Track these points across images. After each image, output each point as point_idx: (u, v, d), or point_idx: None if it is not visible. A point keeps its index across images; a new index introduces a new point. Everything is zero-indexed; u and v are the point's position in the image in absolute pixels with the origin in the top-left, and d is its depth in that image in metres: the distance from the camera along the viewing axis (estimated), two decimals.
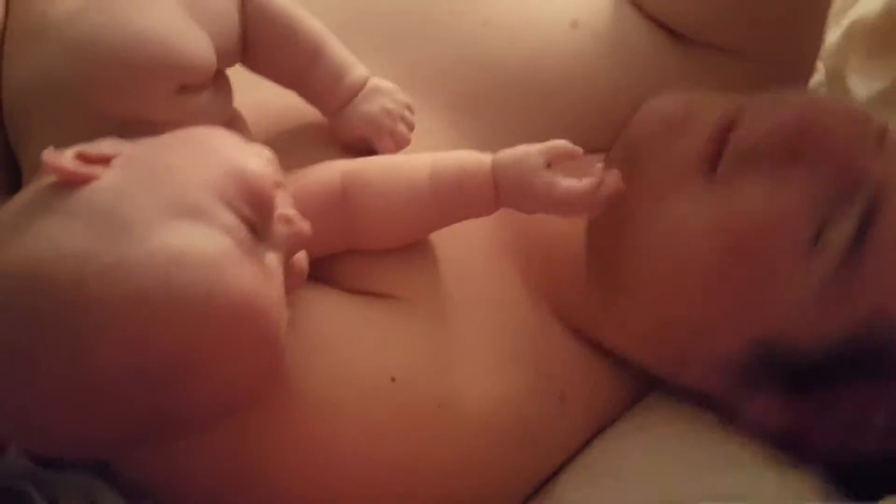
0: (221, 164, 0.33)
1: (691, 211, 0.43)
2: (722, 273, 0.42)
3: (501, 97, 0.51)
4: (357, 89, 0.44)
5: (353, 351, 0.40)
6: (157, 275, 0.30)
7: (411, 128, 0.45)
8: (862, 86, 0.66)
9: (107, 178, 0.32)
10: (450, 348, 0.43)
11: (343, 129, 0.44)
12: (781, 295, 0.41)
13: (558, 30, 0.53)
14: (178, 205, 0.31)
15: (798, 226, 0.41)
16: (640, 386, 0.50)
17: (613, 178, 0.40)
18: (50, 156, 0.32)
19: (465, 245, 0.45)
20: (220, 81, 0.40)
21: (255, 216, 0.33)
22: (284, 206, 0.35)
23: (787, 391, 0.43)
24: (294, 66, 0.43)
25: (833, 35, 0.70)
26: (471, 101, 0.51)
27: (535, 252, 0.49)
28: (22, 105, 0.40)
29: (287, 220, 0.35)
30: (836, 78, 0.69)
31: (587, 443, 0.48)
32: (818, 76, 0.69)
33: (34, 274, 0.30)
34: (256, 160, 0.35)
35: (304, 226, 0.35)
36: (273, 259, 0.34)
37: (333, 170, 0.42)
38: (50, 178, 0.32)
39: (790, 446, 0.44)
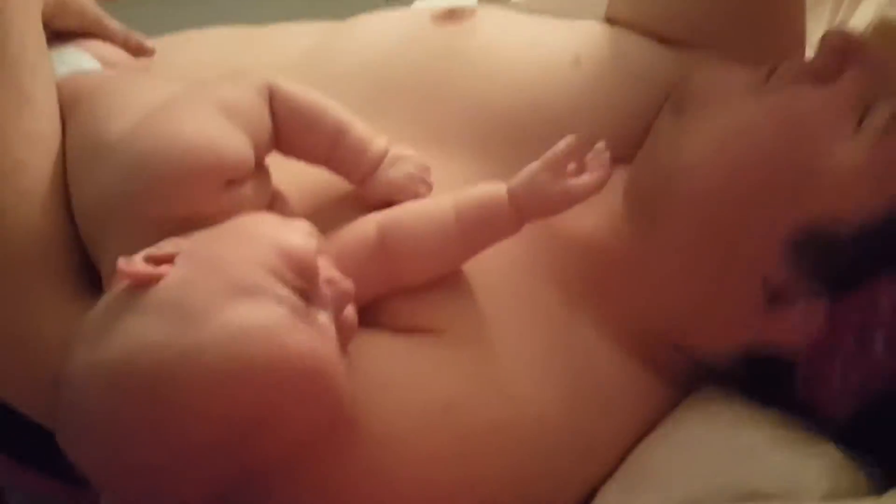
0: (268, 244, 0.38)
1: (743, 111, 0.49)
2: (773, 158, 0.47)
3: (516, 138, 0.56)
4: (380, 159, 0.49)
5: (405, 386, 0.44)
6: (225, 350, 0.35)
7: (430, 188, 0.49)
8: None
9: (172, 275, 0.37)
10: (495, 372, 0.46)
11: (371, 194, 0.49)
12: (827, 172, 0.45)
13: (562, 68, 0.58)
14: (234, 286, 0.36)
15: (842, 111, 0.46)
16: (678, 395, 0.52)
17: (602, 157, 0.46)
18: (122, 263, 0.37)
19: (498, 272, 0.49)
20: (259, 171, 0.46)
21: (303, 284, 0.38)
22: (327, 270, 0.40)
23: (827, 292, 0.45)
24: (320, 147, 0.48)
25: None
26: (490, 146, 0.56)
27: (569, 258, 0.52)
28: (92, 222, 0.45)
29: (332, 282, 0.40)
30: None
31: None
32: None
33: (123, 365, 0.35)
34: (297, 235, 0.40)
35: (347, 284, 0.40)
36: (325, 318, 0.38)
37: (369, 223, 0.47)
38: (125, 283, 0.37)
39: (816, 392, 0.46)
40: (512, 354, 0.48)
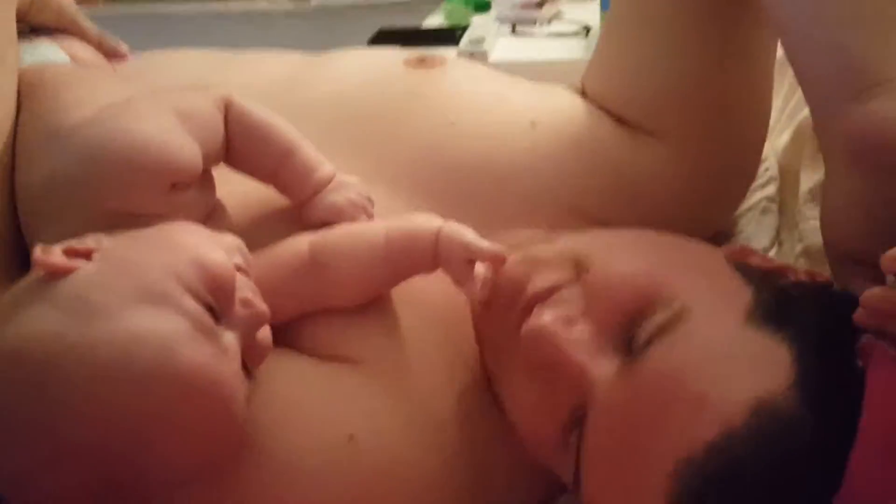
0: (187, 256, 0.38)
1: (513, 374, 0.47)
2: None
3: (460, 186, 0.57)
4: (325, 183, 0.50)
5: (313, 412, 0.44)
6: (118, 352, 0.34)
7: (371, 217, 0.50)
8: (806, 179, 0.69)
9: (83, 270, 0.37)
10: (403, 408, 0.46)
11: (311, 215, 0.50)
12: (560, 473, 0.45)
13: (518, 129, 0.60)
14: (142, 292, 0.36)
15: (553, 429, 0.44)
16: None
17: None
18: (38, 252, 0.37)
19: (420, 313, 0.50)
20: (205, 179, 0.46)
21: (215, 300, 0.38)
22: (245, 291, 0.40)
23: None
24: (268, 164, 0.49)
25: (786, 135, 0.77)
26: (435, 189, 0.56)
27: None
28: (33, 205, 0.45)
29: (247, 303, 0.39)
30: (787, 173, 0.75)
31: None
32: (771, 172, 0.76)
33: (15, 352, 0.35)
34: (217, 251, 0.39)
35: (262, 307, 0.40)
36: (230, 338, 0.38)
37: (302, 240, 0.48)
38: (39, 272, 0.37)
39: None
40: (426, 396, 0.48)
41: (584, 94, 0.65)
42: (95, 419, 0.34)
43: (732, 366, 0.39)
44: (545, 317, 0.44)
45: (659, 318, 0.41)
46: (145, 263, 0.37)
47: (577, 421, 0.42)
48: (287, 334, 0.45)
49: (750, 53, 0.61)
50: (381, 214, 0.51)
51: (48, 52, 0.57)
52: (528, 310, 0.45)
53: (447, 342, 0.51)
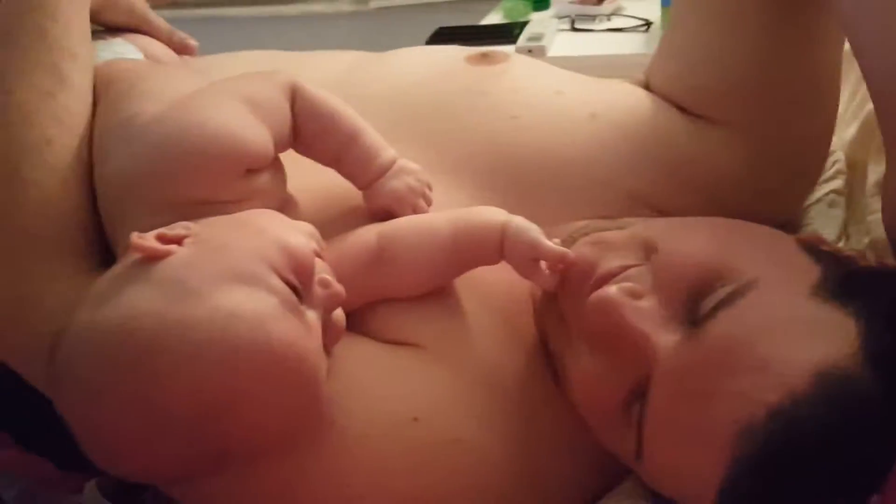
0: (270, 239, 0.41)
1: (577, 356, 0.48)
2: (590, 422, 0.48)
3: (521, 177, 0.58)
4: (386, 168, 0.51)
5: (379, 394, 0.46)
6: (215, 328, 0.37)
7: (430, 203, 0.52)
8: (873, 172, 0.68)
9: (178, 254, 0.39)
10: (466, 393, 0.48)
11: (373, 200, 0.51)
12: (620, 449, 0.46)
13: (578, 120, 0.60)
14: (233, 272, 0.38)
15: (612, 402, 0.44)
16: None
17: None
18: (135, 237, 0.39)
19: (479, 297, 0.51)
20: (276, 165, 0.48)
21: (298, 281, 0.40)
22: (322, 272, 0.42)
23: None
24: (333, 148, 0.51)
25: (853, 128, 0.75)
26: (497, 181, 0.58)
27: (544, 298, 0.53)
28: (114, 195, 0.48)
29: (325, 283, 0.42)
30: (854, 166, 0.73)
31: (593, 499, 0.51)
32: (839, 165, 0.74)
33: (118, 330, 0.37)
34: (299, 235, 0.42)
35: (339, 288, 0.42)
36: (313, 316, 0.40)
37: (370, 231, 0.49)
38: (136, 256, 0.39)
39: None
40: (485, 380, 0.49)
41: (647, 86, 0.65)
42: (195, 391, 0.36)
43: (796, 332, 0.40)
44: (611, 288, 0.44)
45: (723, 291, 0.42)
46: (234, 247, 0.40)
47: (639, 393, 0.43)
48: (352, 319, 0.47)
49: (817, 43, 0.61)
50: (443, 206, 0.52)
51: (122, 49, 0.60)
52: (597, 287, 0.46)
53: (505, 325, 0.52)
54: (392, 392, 0.46)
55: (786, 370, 0.38)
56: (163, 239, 0.40)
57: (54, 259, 0.48)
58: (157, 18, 0.65)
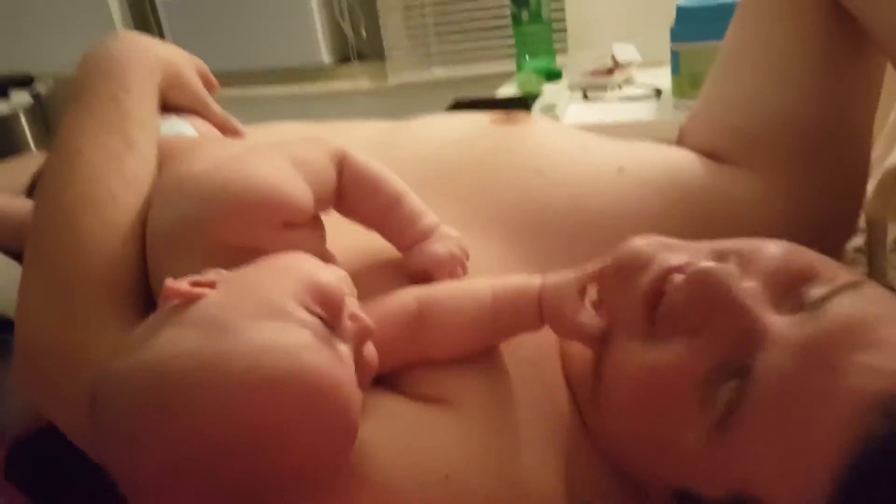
0: (300, 276, 0.42)
1: (627, 354, 0.47)
2: (641, 415, 0.46)
3: (551, 231, 0.59)
4: (429, 232, 0.52)
5: (413, 449, 0.45)
6: (248, 362, 0.37)
7: (466, 271, 0.52)
8: (893, 229, 0.69)
9: (210, 296, 0.40)
10: (499, 451, 0.47)
11: (413, 262, 0.52)
12: (678, 446, 0.44)
13: (605, 174, 0.62)
14: (264, 308, 0.39)
15: (691, 387, 0.43)
16: None
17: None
18: (169, 281, 0.40)
19: (510, 351, 0.51)
20: (316, 223, 0.50)
21: (328, 315, 0.41)
22: (353, 307, 0.43)
23: None
24: (377, 211, 0.52)
25: (870, 186, 0.76)
26: (526, 233, 0.59)
27: (574, 356, 0.53)
28: (161, 245, 0.49)
29: (355, 317, 0.42)
30: (874, 224, 0.74)
31: None
32: (859, 223, 0.74)
33: (156, 369, 0.37)
34: (327, 272, 0.43)
35: (369, 321, 0.43)
36: (344, 348, 0.41)
37: (409, 294, 0.50)
38: (171, 303, 0.40)
39: None
40: (518, 438, 0.48)
41: (679, 143, 0.67)
42: (232, 424, 0.37)
43: None
44: (712, 263, 0.44)
45: (831, 284, 0.42)
46: (264, 285, 0.41)
47: (728, 372, 0.42)
48: (384, 376, 0.47)
49: (859, 96, 0.64)
50: (475, 261, 0.53)
51: (180, 127, 0.64)
52: (663, 277, 0.46)
53: (536, 381, 0.51)
54: (425, 448, 0.46)
55: None
56: (195, 284, 0.41)
57: (107, 309, 0.49)
58: (214, 104, 0.69)
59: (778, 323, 0.42)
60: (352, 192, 0.51)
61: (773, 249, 0.47)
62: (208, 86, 0.70)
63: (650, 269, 0.48)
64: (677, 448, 0.44)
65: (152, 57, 0.62)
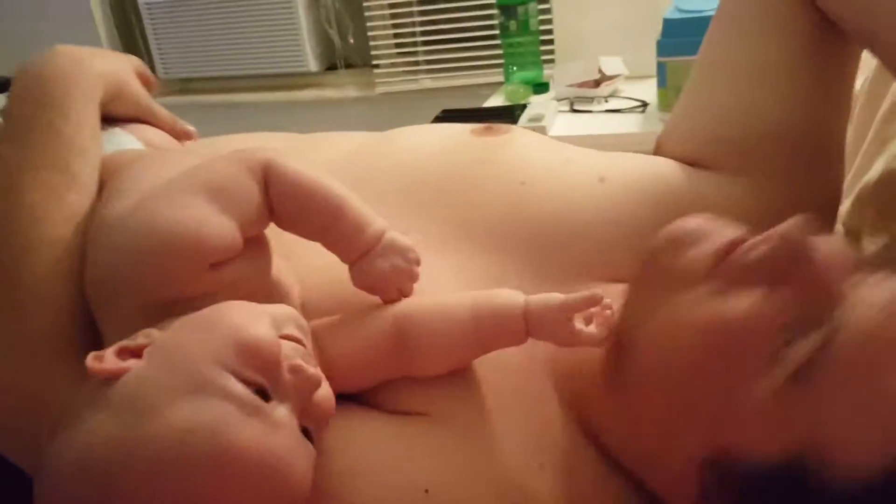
0: (228, 338, 0.39)
1: (686, 309, 0.45)
2: (695, 370, 0.44)
3: (535, 243, 0.58)
4: (372, 244, 0.48)
5: (390, 466, 0.45)
6: (169, 444, 0.36)
7: (415, 280, 0.50)
8: (870, 242, 0.69)
9: (133, 371, 0.38)
10: (480, 464, 0.46)
11: (358, 278, 0.49)
12: (736, 402, 0.42)
13: (588, 184, 0.62)
14: (187, 383, 0.37)
15: (764, 339, 0.42)
16: None
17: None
18: (90, 361, 0.38)
19: (500, 365, 0.50)
20: (254, 249, 0.46)
21: (262, 375, 0.38)
22: (294, 358, 0.40)
23: None
24: (316, 223, 0.48)
25: (847, 202, 0.77)
26: (510, 247, 0.58)
27: (566, 368, 0.52)
28: (95, 294, 0.47)
29: (295, 370, 0.39)
30: (849, 236, 0.75)
31: None
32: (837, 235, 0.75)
33: (76, 462, 0.36)
34: (259, 326, 0.40)
35: (312, 371, 0.40)
36: (282, 412, 0.38)
37: (386, 317, 0.48)
38: (96, 379, 0.39)
39: None
40: (500, 449, 0.48)
41: (656, 154, 0.67)
42: None
43: None
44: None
45: None
46: (189, 353, 0.39)
47: (808, 326, 0.41)
48: (364, 392, 0.47)
49: (836, 105, 0.64)
50: (455, 272, 0.52)
51: (123, 140, 0.61)
52: (726, 251, 0.45)
53: (519, 393, 0.51)
54: (402, 464, 0.45)
55: None
56: (123, 353, 0.39)
57: (59, 360, 0.48)
58: (161, 109, 0.67)
59: (862, 280, 0.42)
60: (283, 205, 0.46)
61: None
62: (147, 84, 0.67)
63: (712, 236, 0.47)
64: (734, 404, 0.42)
65: (91, 73, 0.59)
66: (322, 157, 0.66)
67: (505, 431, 0.48)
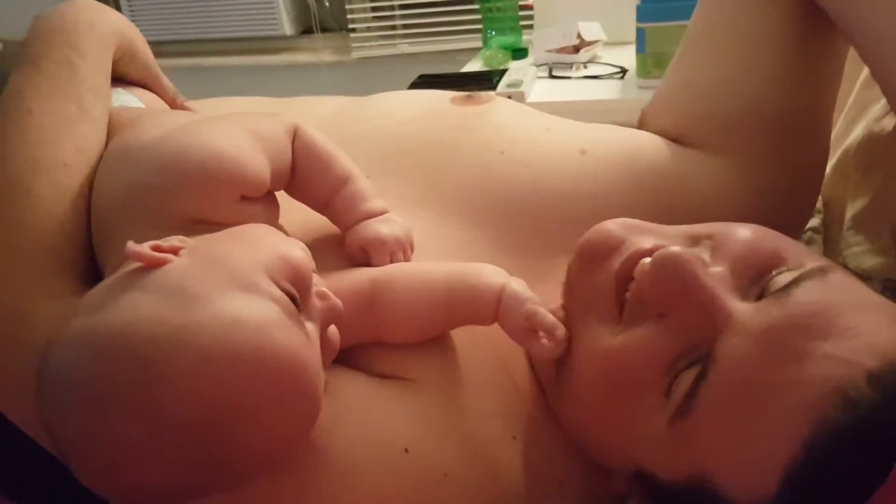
0: (269, 250, 0.40)
1: (598, 338, 0.47)
2: (609, 399, 0.46)
3: (512, 211, 0.58)
4: (374, 214, 0.51)
5: (372, 425, 0.45)
6: (217, 334, 0.36)
7: (408, 259, 0.51)
8: (850, 207, 0.70)
9: (177, 262, 0.38)
10: (457, 425, 0.47)
11: (353, 238, 0.51)
12: (641, 431, 0.44)
13: (568, 156, 0.61)
14: (233, 280, 0.38)
15: (658, 372, 0.43)
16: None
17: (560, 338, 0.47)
18: (131, 245, 0.38)
19: (473, 334, 0.50)
20: (270, 198, 0.49)
21: (296, 291, 0.39)
22: (320, 286, 0.42)
23: None
24: (325, 191, 0.51)
25: (828, 168, 0.77)
26: (488, 215, 0.58)
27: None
28: (109, 215, 0.47)
29: (323, 296, 0.41)
30: (831, 202, 0.75)
31: None
32: (816, 204, 0.76)
33: (117, 334, 0.35)
34: (295, 247, 0.42)
35: (337, 301, 0.42)
36: (311, 327, 0.40)
37: (363, 276, 0.49)
38: (131, 266, 0.38)
39: None
40: (474, 413, 0.48)
41: (640, 126, 0.67)
42: (199, 398, 0.35)
43: (882, 312, 0.41)
44: (678, 248, 0.44)
45: (799, 270, 0.43)
46: (232, 255, 0.39)
47: (690, 358, 0.42)
48: (342, 354, 0.46)
49: (824, 81, 0.64)
50: (431, 239, 0.53)
51: (126, 98, 0.62)
52: (632, 261, 0.46)
53: (496, 360, 0.51)
54: (383, 423, 0.45)
55: (879, 340, 0.38)
56: (158, 249, 0.39)
57: (54, 276, 0.47)
58: (166, 79, 0.67)
59: (742, 309, 0.42)
60: (303, 168, 0.50)
61: (743, 233, 0.47)
62: None
63: (620, 253, 0.48)
64: (640, 432, 0.44)
65: (107, 25, 0.60)
66: (300, 120, 0.65)
67: (480, 401, 0.49)
